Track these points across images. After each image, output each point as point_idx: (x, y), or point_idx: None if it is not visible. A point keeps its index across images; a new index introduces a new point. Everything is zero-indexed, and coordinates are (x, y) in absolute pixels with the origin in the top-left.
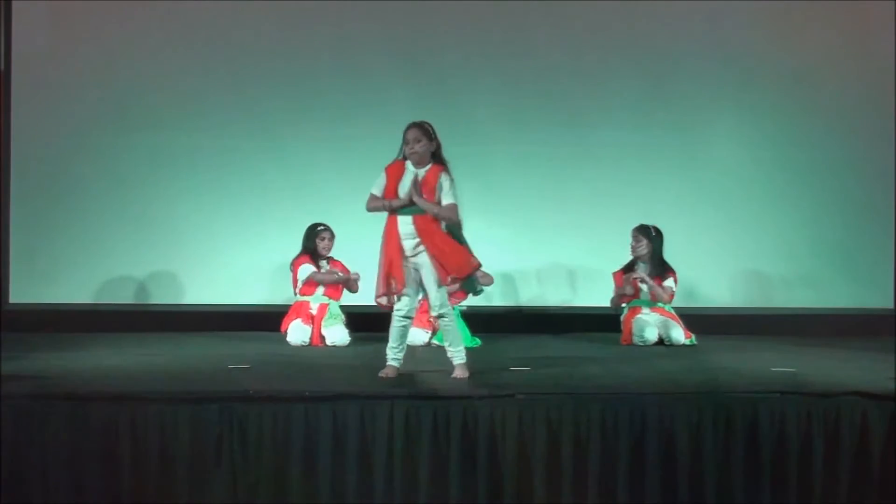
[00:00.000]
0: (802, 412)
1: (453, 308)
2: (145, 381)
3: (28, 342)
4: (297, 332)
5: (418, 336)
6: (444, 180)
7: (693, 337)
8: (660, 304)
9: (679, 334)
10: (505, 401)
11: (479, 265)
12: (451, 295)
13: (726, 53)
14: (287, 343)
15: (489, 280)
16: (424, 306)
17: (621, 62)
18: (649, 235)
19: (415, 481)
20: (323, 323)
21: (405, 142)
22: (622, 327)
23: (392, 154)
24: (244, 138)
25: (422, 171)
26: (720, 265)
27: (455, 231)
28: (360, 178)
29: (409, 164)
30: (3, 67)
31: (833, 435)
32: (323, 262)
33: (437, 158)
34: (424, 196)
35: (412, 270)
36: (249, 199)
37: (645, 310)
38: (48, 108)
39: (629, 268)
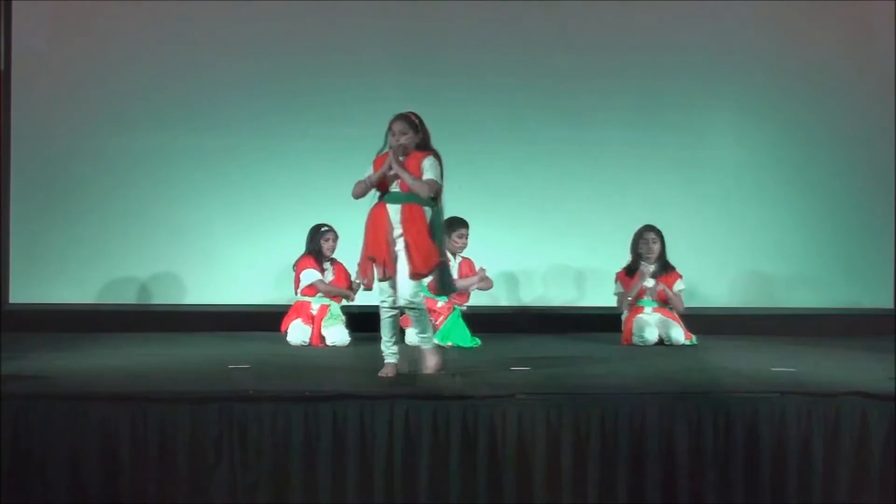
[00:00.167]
0: (802, 412)
1: (454, 308)
2: (145, 381)
3: (28, 342)
4: (297, 332)
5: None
6: (428, 160)
7: (693, 338)
8: (657, 304)
9: (679, 334)
10: (505, 401)
11: (438, 264)
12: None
13: (727, 53)
14: (287, 343)
15: (488, 284)
16: (428, 305)
17: (622, 62)
18: (661, 236)
19: (415, 481)
20: (323, 323)
21: (391, 133)
22: (623, 326)
23: None
24: (245, 138)
25: (405, 159)
26: (720, 265)
27: (437, 221)
28: (362, 177)
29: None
30: (3, 67)
31: (833, 435)
32: (326, 264)
33: (427, 148)
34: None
35: (395, 258)
36: (250, 198)
37: (647, 310)
38: (48, 108)
39: (633, 269)
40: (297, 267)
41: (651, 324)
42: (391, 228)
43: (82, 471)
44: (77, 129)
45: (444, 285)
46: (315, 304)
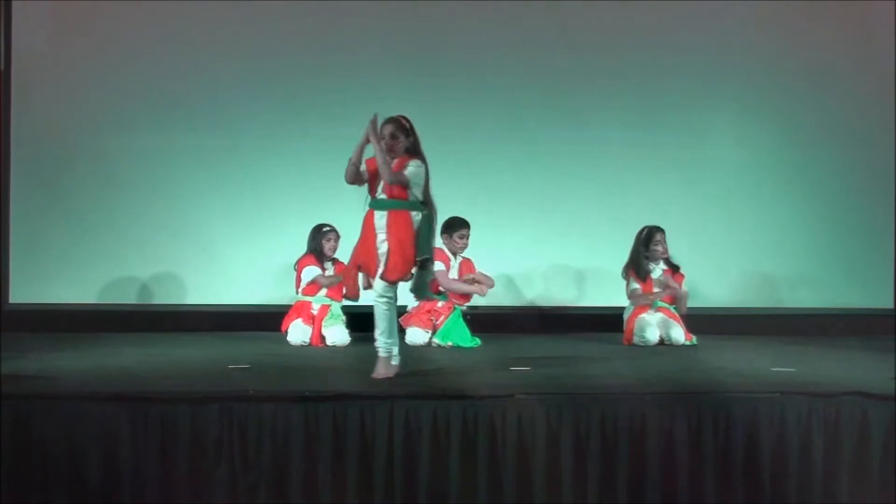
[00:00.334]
0: (802, 412)
1: (454, 308)
2: (145, 381)
3: (28, 342)
4: (297, 332)
5: (418, 336)
6: (411, 163)
7: (694, 338)
8: (663, 304)
9: (679, 334)
10: (505, 401)
11: (411, 272)
12: (452, 295)
13: (727, 53)
14: (287, 343)
15: (486, 287)
16: (425, 306)
17: (622, 62)
18: (664, 236)
19: (415, 481)
20: (324, 323)
21: (381, 137)
22: (625, 325)
23: None
24: (245, 138)
25: (392, 163)
26: (720, 265)
27: (425, 225)
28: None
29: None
30: (3, 67)
31: (833, 435)
32: (328, 264)
33: (415, 152)
34: (391, 187)
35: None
36: (250, 198)
37: (650, 309)
38: (48, 108)
39: (642, 268)
40: (299, 266)
41: (652, 324)
42: (377, 234)
43: (82, 471)
44: (77, 129)
45: (418, 289)
46: (316, 304)
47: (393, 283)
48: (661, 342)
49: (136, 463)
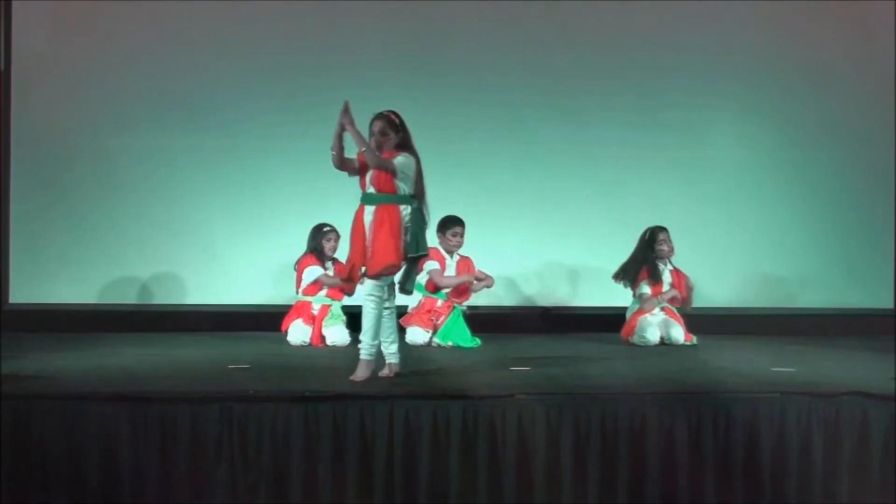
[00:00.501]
0: (802, 412)
1: (454, 307)
2: (145, 381)
3: (28, 342)
4: (297, 332)
5: (419, 335)
6: (400, 154)
7: (694, 339)
8: (667, 304)
9: (679, 334)
10: (505, 401)
11: (398, 266)
12: (451, 294)
13: (727, 53)
14: (287, 343)
15: (486, 284)
16: (426, 305)
17: (622, 62)
18: (668, 234)
19: (415, 481)
20: (324, 323)
21: (371, 133)
22: (627, 321)
23: None
24: (245, 138)
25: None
26: (720, 265)
27: (415, 219)
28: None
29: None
30: (3, 67)
31: (833, 435)
32: (328, 263)
33: (405, 147)
34: (379, 179)
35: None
36: (250, 198)
37: (655, 310)
38: (48, 108)
39: (654, 269)
40: (299, 266)
41: (653, 324)
42: (365, 231)
43: (82, 471)
44: (77, 129)
45: (403, 285)
46: (316, 304)
47: (377, 279)
48: (662, 342)
49: (136, 463)
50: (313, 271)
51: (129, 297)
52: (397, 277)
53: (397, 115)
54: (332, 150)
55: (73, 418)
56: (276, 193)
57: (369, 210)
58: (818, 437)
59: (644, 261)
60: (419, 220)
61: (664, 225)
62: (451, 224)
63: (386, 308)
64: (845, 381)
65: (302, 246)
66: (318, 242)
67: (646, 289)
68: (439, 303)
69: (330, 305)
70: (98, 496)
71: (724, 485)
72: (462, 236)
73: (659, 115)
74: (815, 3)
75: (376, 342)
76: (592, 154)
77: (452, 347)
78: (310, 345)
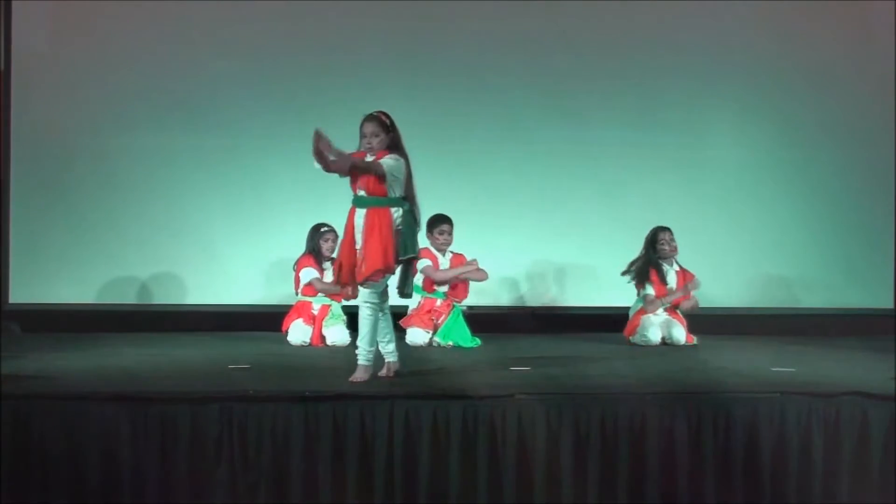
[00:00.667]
0: (802, 412)
1: (453, 305)
2: (145, 381)
3: (28, 342)
4: (297, 332)
5: (419, 336)
6: (389, 156)
7: (695, 339)
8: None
9: (680, 334)
10: (505, 401)
11: (391, 268)
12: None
13: (727, 53)
14: (287, 343)
15: (480, 276)
16: (426, 306)
17: (622, 62)
18: (670, 234)
19: (415, 481)
20: (324, 323)
21: (362, 135)
22: (630, 319)
23: None
24: (245, 138)
25: (371, 159)
26: (720, 265)
27: (406, 220)
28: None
29: (367, 156)
30: (3, 67)
31: (833, 435)
32: (326, 264)
33: (395, 148)
34: (369, 182)
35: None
36: (250, 198)
37: (659, 310)
38: (48, 108)
39: (661, 269)
40: (297, 266)
41: (655, 324)
42: (357, 234)
43: (82, 471)
44: (77, 129)
45: (402, 289)
46: (316, 304)
47: (370, 283)
48: (663, 342)
49: (136, 463)
50: (307, 273)
51: (129, 297)
52: (394, 281)
53: (388, 116)
54: (316, 165)
55: (73, 418)
56: (276, 193)
57: (360, 213)
58: (818, 437)
59: (650, 262)
60: (410, 221)
61: (665, 225)
62: (437, 223)
63: (382, 311)
64: (845, 381)
65: (302, 246)
66: (316, 243)
67: (650, 290)
68: (438, 302)
69: (330, 305)
70: (98, 496)
71: (724, 485)
72: (450, 234)
73: (659, 115)
74: (815, 3)
75: (373, 348)
76: (592, 154)
77: (452, 347)
78: (310, 345)
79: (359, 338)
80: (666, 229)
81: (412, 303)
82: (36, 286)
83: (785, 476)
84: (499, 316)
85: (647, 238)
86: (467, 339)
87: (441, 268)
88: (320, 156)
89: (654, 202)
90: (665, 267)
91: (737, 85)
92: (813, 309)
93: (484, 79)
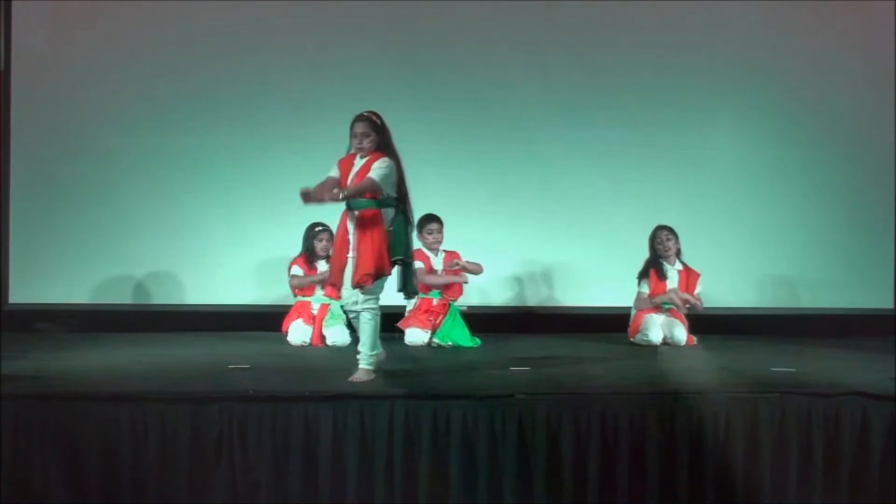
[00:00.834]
0: (802, 412)
1: (449, 304)
2: (145, 381)
3: (28, 342)
4: (297, 332)
5: (418, 336)
6: (379, 161)
7: (695, 339)
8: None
9: (682, 334)
10: (505, 401)
11: (370, 278)
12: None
13: (728, 53)
14: (287, 343)
15: (476, 269)
16: (424, 306)
17: (622, 61)
18: (676, 235)
19: (415, 481)
20: (324, 323)
21: (353, 135)
22: (631, 321)
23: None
24: (245, 138)
25: (362, 162)
26: (720, 265)
27: (400, 221)
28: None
29: (358, 157)
30: (3, 67)
31: (833, 435)
32: (321, 263)
33: (385, 148)
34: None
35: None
36: (250, 198)
37: (661, 310)
38: (48, 108)
39: (661, 268)
40: (290, 266)
41: (657, 324)
42: (350, 236)
43: (82, 471)
44: (77, 129)
45: (406, 284)
46: (315, 304)
47: (366, 286)
48: (665, 342)
49: (136, 463)
50: (293, 272)
51: (128, 297)
52: (392, 282)
53: (378, 116)
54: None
55: (73, 418)
56: (276, 193)
57: (353, 215)
58: (818, 437)
59: (651, 261)
60: (402, 222)
61: (666, 224)
62: (425, 223)
63: (351, 310)
64: (845, 381)
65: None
66: (310, 242)
67: (644, 287)
68: (434, 302)
69: (329, 305)
70: (98, 496)
71: (724, 484)
72: (438, 232)
73: (659, 115)
74: (815, 3)
75: (376, 352)
76: (592, 154)
77: (452, 347)
78: (310, 345)
79: (361, 343)
80: (663, 228)
81: (408, 304)
82: (36, 286)
83: (785, 476)
84: (499, 316)
85: (649, 237)
86: (467, 339)
87: (434, 267)
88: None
89: (655, 202)
90: (666, 266)
91: (737, 85)
92: (813, 309)
93: (484, 79)
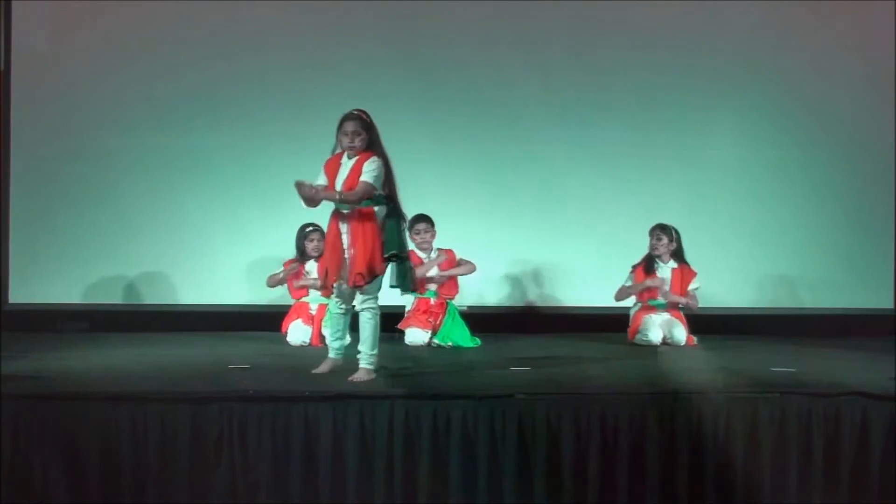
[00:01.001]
0: (802, 412)
1: (447, 304)
2: (145, 381)
3: (28, 342)
4: (297, 333)
5: (417, 336)
6: (368, 163)
7: (695, 340)
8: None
9: (681, 334)
10: (505, 401)
11: (369, 277)
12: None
13: (728, 53)
14: (287, 343)
15: (466, 269)
16: (422, 306)
17: (622, 61)
18: (670, 234)
19: (415, 481)
20: (323, 323)
21: (343, 134)
22: (630, 322)
23: (390, 154)
24: (244, 137)
25: (352, 162)
26: (720, 265)
27: (392, 220)
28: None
29: (345, 156)
30: (3, 67)
31: (833, 435)
32: (313, 262)
33: (374, 146)
34: (352, 186)
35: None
36: (250, 198)
37: (658, 310)
38: (48, 108)
39: (650, 265)
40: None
41: (656, 324)
42: (343, 236)
43: (82, 471)
44: (77, 129)
45: (402, 282)
46: (314, 304)
47: (360, 285)
48: (664, 342)
49: (136, 463)
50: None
51: (128, 297)
52: (389, 280)
53: (367, 114)
54: (304, 206)
55: (73, 418)
56: (276, 193)
57: (345, 216)
58: (818, 437)
59: (646, 257)
60: (395, 219)
61: (665, 223)
62: (413, 223)
63: (343, 309)
64: (845, 381)
65: None
66: (301, 243)
67: (628, 281)
68: (432, 301)
69: (327, 304)
70: (98, 496)
71: (724, 484)
72: (426, 232)
73: (659, 115)
74: (815, 3)
75: (376, 352)
76: (592, 154)
77: (452, 347)
78: (310, 345)
79: (361, 342)
80: (658, 227)
81: (407, 304)
82: (36, 286)
83: (785, 476)
84: (499, 316)
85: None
86: (467, 339)
87: (426, 264)
88: (308, 200)
89: (655, 202)
90: (658, 263)
91: (737, 85)
92: (813, 309)
93: (484, 79)
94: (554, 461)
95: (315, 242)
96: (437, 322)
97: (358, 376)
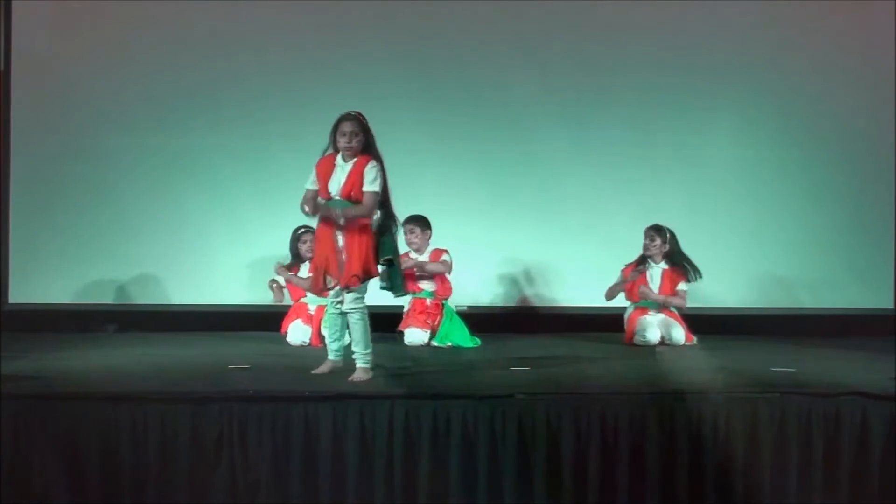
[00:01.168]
0: (802, 412)
1: (443, 303)
2: (145, 381)
3: (28, 342)
4: (297, 333)
5: (417, 336)
6: (369, 169)
7: (695, 339)
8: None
9: (680, 335)
10: (505, 401)
11: (362, 278)
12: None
13: (728, 53)
14: (287, 343)
15: (439, 268)
16: (419, 306)
17: (622, 61)
18: (664, 235)
19: (415, 481)
20: (322, 323)
21: (340, 134)
22: (625, 326)
23: (389, 154)
24: (245, 138)
25: (349, 165)
26: (720, 265)
27: (385, 223)
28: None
29: (339, 157)
30: (3, 67)
31: (833, 435)
32: (306, 264)
33: (369, 149)
34: (352, 190)
35: (341, 266)
36: (250, 198)
37: (651, 311)
38: (48, 108)
39: (639, 263)
40: None
41: (653, 324)
42: (336, 236)
43: (82, 471)
44: (77, 129)
45: (393, 284)
46: (312, 304)
47: (354, 287)
48: (662, 342)
49: (136, 463)
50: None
51: (128, 297)
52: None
53: (364, 117)
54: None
55: (73, 418)
56: (275, 193)
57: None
58: (818, 437)
59: (640, 257)
60: (390, 222)
61: (662, 224)
62: (405, 223)
63: (340, 308)
64: (845, 381)
65: None
66: (295, 245)
67: (619, 280)
68: (428, 302)
69: (326, 305)
70: (98, 496)
71: (724, 484)
72: (414, 234)
73: (659, 115)
74: (815, 3)
75: (370, 350)
76: (592, 154)
77: (452, 347)
78: (309, 345)
79: (353, 343)
80: (651, 228)
81: (404, 304)
82: (36, 286)
83: (785, 476)
84: (498, 316)
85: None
86: (467, 339)
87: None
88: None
89: (655, 202)
90: (650, 264)
91: (737, 85)
92: (813, 309)
93: (483, 78)
94: (554, 461)
95: (308, 244)
96: (435, 324)
97: (357, 376)
